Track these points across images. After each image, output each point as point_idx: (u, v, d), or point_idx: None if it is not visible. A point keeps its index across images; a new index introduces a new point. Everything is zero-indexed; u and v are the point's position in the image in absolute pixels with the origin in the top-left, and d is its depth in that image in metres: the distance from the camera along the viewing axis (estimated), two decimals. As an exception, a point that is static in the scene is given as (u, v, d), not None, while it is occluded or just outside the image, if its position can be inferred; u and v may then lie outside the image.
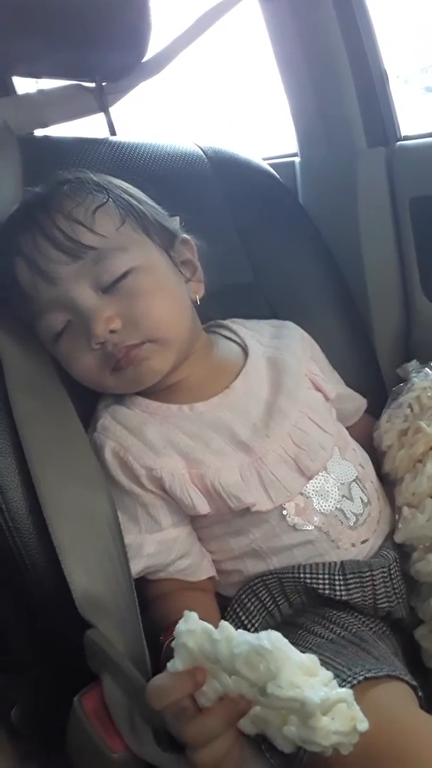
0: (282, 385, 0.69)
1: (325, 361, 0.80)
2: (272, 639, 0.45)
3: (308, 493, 0.65)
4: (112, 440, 0.64)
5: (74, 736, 0.55)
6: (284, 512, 0.64)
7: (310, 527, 0.64)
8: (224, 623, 0.46)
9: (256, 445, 0.64)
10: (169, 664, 0.47)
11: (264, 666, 0.44)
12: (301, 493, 0.64)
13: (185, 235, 0.71)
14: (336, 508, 0.65)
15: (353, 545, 0.66)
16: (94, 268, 0.62)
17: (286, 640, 0.45)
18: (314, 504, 0.64)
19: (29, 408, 0.62)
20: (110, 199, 0.65)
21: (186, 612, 0.47)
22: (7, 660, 0.71)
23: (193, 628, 0.46)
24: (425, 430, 0.70)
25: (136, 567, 0.61)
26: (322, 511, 0.65)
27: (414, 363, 0.88)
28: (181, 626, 0.46)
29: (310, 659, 0.45)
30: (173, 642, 0.47)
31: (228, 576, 0.67)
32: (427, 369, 0.82)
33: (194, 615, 0.47)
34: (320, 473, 0.66)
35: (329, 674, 0.45)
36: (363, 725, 0.43)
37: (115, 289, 0.62)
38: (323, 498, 0.65)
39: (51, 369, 0.67)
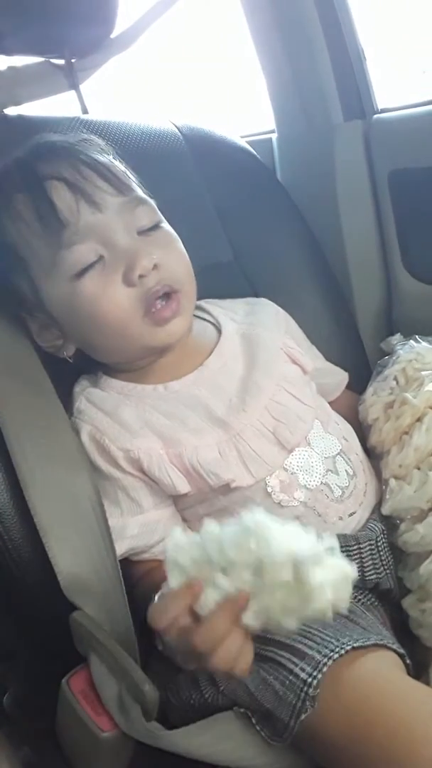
0: (257, 360, 0.68)
1: (302, 336, 0.80)
2: (255, 517, 0.45)
3: (293, 468, 0.64)
4: (88, 423, 0.63)
5: (63, 717, 0.55)
6: (269, 489, 0.63)
7: (296, 503, 0.64)
8: (206, 523, 0.46)
9: (233, 420, 0.63)
10: (163, 585, 0.46)
11: (254, 542, 0.44)
12: (285, 469, 0.64)
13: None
14: (321, 482, 0.65)
15: (340, 518, 0.65)
16: (135, 209, 0.62)
17: (267, 514, 0.45)
18: (299, 480, 0.64)
19: (7, 389, 0.61)
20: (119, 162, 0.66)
21: (171, 531, 0.47)
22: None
23: (180, 543, 0.46)
24: (411, 402, 0.69)
25: (120, 549, 0.61)
26: (308, 486, 0.64)
27: (398, 336, 0.88)
28: (168, 545, 0.46)
29: (293, 525, 0.46)
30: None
31: None
32: (411, 342, 0.82)
33: (178, 530, 0.47)
34: (303, 448, 0.65)
35: (313, 536, 0.45)
36: (352, 571, 0.44)
37: (150, 234, 0.63)
38: (308, 473, 0.65)
39: (30, 349, 0.66)
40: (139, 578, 0.63)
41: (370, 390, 0.76)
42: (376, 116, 0.99)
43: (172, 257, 0.63)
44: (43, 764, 0.70)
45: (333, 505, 0.65)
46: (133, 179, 0.66)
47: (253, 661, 0.54)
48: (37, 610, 0.61)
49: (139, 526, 0.62)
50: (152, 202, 0.66)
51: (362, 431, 0.75)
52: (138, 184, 0.67)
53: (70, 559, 0.56)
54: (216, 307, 0.76)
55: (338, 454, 0.68)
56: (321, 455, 0.66)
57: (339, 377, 0.83)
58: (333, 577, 0.44)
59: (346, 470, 0.68)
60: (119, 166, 0.65)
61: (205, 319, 0.74)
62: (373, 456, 0.74)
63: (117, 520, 0.61)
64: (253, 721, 0.51)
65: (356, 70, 0.99)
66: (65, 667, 0.57)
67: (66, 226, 0.60)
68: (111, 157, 0.66)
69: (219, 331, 0.72)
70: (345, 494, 0.66)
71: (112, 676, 0.52)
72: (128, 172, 0.66)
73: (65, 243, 0.60)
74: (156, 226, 0.64)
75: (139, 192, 0.65)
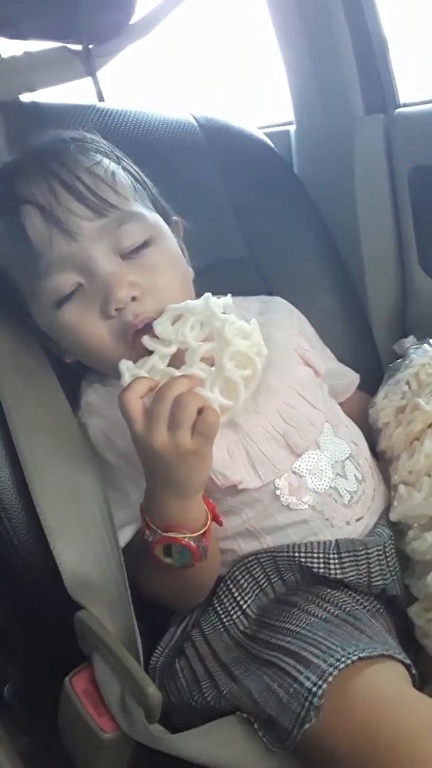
0: (270, 360, 0.65)
1: (316, 337, 0.78)
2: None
3: (301, 471, 0.64)
4: (97, 417, 0.62)
5: (65, 716, 0.55)
6: (277, 492, 0.62)
7: (304, 506, 0.63)
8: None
9: (244, 421, 0.62)
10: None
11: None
12: (294, 472, 0.63)
13: (176, 217, 0.69)
14: (330, 486, 0.64)
15: (348, 523, 0.65)
16: (117, 230, 0.58)
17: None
18: (308, 483, 0.63)
19: (16, 388, 0.61)
20: (121, 165, 0.62)
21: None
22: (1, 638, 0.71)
23: (130, 365, 0.55)
24: (423, 408, 0.68)
25: (129, 533, 0.60)
26: (316, 489, 0.64)
27: (411, 338, 0.86)
28: (121, 368, 0.55)
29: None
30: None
31: (221, 555, 0.66)
32: (426, 345, 0.80)
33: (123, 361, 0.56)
34: (312, 451, 0.65)
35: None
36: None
37: (135, 256, 0.59)
38: (317, 476, 0.64)
39: (37, 349, 0.65)
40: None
41: (381, 393, 0.75)
42: (397, 110, 0.97)
43: (159, 281, 0.59)
44: (42, 755, 0.70)
45: (341, 510, 0.64)
46: (135, 182, 0.63)
47: (257, 666, 0.54)
48: (42, 607, 0.61)
49: None
50: (147, 214, 0.61)
51: (372, 434, 0.74)
52: (140, 186, 0.63)
53: (74, 557, 0.56)
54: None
55: (347, 458, 0.67)
56: (330, 459, 0.65)
57: (350, 378, 0.82)
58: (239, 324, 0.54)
59: (354, 475, 0.67)
60: (111, 171, 0.60)
61: None
62: (383, 460, 0.73)
63: (127, 511, 0.61)
64: (256, 726, 0.51)
65: (379, 61, 0.97)
66: (68, 664, 0.57)
67: (39, 256, 0.57)
68: (111, 157, 0.62)
69: None
70: (353, 499, 0.66)
71: (115, 676, 0.52)
72: (130, 173, 0.63)
73: (42, 273, 0.58)
74: (144, 245, 0.59)
75: (128, 206, 0.60)
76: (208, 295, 0.54)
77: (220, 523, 0.59)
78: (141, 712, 0.49)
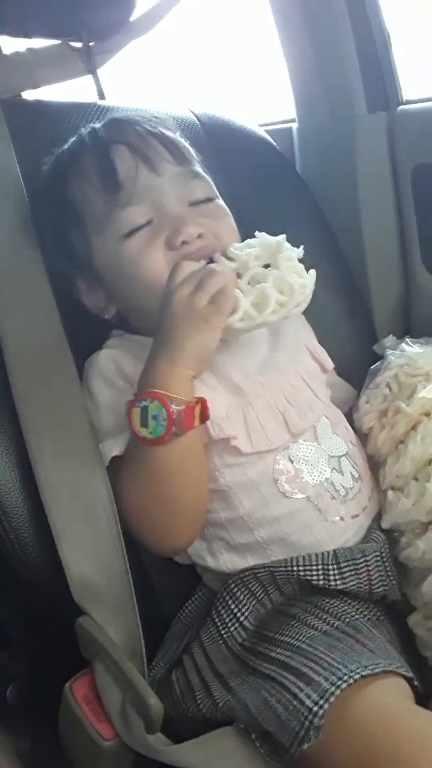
0: (280, 345, 0.69)
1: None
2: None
3: (297, 460, 0.64)
4: (113, 349, 0.66)
5: (65, 722, 0.55)
6: (275, 476, 0.62)
7: (300, 496, 0.63)
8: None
9: (248, 388, 0.64)
10: None
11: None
12: (291, 460, 0.63)
13: None
14: (325, 479, 0.64)
15: (342, 519, 0.64)
16: (190, 181, 0.66)
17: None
18: (304, 473, 0.64)
19: (31, 385, 0.60)
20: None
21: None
22: (4, 638, 0.70)
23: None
24: (404, 410, 0.68)
25: (122, 442, 0.59)
26: (311, 481, 0.64)
27: (390, 338, 0.86)
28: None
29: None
30: None
31: (212, 542, 0.65)
32: (403, 344, 0.80)
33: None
34: (309, 442, 0.65)
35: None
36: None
37: (201, 207, 0.66)
38: (312, 467, 0.64)
39: (63, 340, 0.64)
40: None
41: (363, 398, 0.74)
42: (400, 108, 0.95)
43: (221, 228, 0.65)
44: (42, 757, 0.70)
45: (335, 504, 0.64)
46: (197, 159, 0.69)
47: (254, 679, 0.54)
48: (43, 611, 0.61)
49: None
50: (209, 180, 0.69)
51: (360, 440, 0.73)
52: (200, 164, 0.69)
53: (81, 562, 0.56)
54: None
55: (344, 455, 0.67)
56: (326, 452, 0.66)
57: (349, 394, 0.80)
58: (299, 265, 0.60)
59: (351, 473, 0.67)
60: (184, 143, 0.69)
61: None
62: (372, 465, 0.72)
63: (126, 433, 0.59)
64: (253, 737, 0.51)
65: (382, 58, 0.96)
66: (70, 668, 0.57)
67: (123, 186, 0.63)
68: (178, 135, 0.69)
69: None
70: (349, 495, 0.65)
71: (116, 685, 0.51)
72: (192, 151, 0.70)
73: (120, 203, 0.63)
74: (209, 200, 0.67)
75: (198, 167, 0.68)
76: (283, 236, 0.62)
77: (207, 417, 0.58)
78: (141, 723, 0.49)
